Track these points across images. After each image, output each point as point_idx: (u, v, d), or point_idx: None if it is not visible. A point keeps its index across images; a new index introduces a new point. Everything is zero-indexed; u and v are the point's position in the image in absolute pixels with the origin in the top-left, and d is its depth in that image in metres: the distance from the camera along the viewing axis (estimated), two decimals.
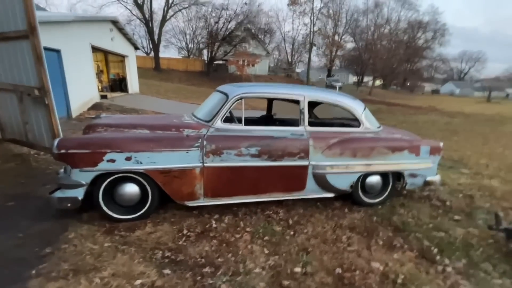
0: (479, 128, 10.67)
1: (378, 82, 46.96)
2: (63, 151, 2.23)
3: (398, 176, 3.13)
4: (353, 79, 51.70)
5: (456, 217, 2.94)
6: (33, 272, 1.80)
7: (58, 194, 2.33)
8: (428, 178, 3.18)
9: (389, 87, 50.30)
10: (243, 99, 2.67)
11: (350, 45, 44.24)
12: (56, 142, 2.27)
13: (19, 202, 2.79)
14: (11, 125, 4.14)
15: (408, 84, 55.88)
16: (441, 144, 3.21)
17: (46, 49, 6.79)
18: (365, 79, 44.99)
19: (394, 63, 41.04)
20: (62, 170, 2.52)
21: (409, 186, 3.15)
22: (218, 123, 2.60)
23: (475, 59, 71.32)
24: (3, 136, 4.35)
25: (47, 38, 6.41)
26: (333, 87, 33.03)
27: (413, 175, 3.10)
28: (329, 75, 42.10)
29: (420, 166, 3.10)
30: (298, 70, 46.47)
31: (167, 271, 1.87)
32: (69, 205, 2.32)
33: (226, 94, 2.74)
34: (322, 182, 2.83)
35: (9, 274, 1.78)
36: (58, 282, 1.71)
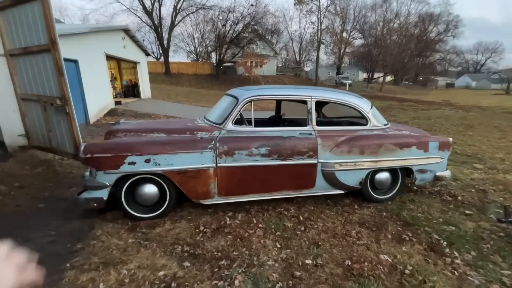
0: (496, 121, 10.33)
1: (389, 78, 46.04)
2: (88, 155, 2.44)
3: (408, 172, 3.18)
4: (363, 76, 50.93)
5: (467, 212, 2.95)
6: (68, 265, 1.99)
7: (85, 195, 2.53)
8: (438, 174, 3.20)
9: (401, 83, 49.23)
10: (252, 102, 2.80)
11: (359, 42, 43.72)
12: (82, 147, 2.48)
13: (49, 204, 3.03)
14: (36, 133, 4.45)
15: (421, 78, 54.51)
16: (450, 139, 3.22)
17: (64, 60, 7.19)
18: (376, 75, 44.21)
19: (405, 58, 40.16)
20: (87, 173, 2.73)
21: (418, 181, 3.18)
22: (229, 125, 2.74)
23: (492, 50, 68.73)
24: (30, 143, 4.67)
25: (65, 50, 6.77)
26: (343, 85, 32.71)
27: (422, 171, 3.13)
28: (338, 73, 41.69)
29: (429, 162, 3.13)
30: (306, 69, 46.29)
31: (186, 263, 2.02)
32: (95, 205, 2.52)
33: (236, 98, 2.88)
34: (331, 179, 2.91)
35: (46, 267, 1.98)
36: (90, 273, 1.89)
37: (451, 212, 2.95)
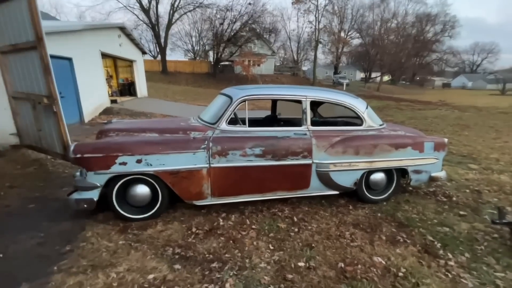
0: (491, 121, 10.39)
1: (386, 78, 46.23)
2: (78, 155, 2.38)
3: (403, 172, 3.16)
4: (360, 75, 51.08)
5: (462, 213, 2.94)
6: (55, 268, 1.95)
7: (75, 196, 2.48)
8: (433, 174, 3.19)
9: (398, 83, 49.46)
10: (246, 101, 2.76)
11: (356, 41, 43.81)
12: (72, 147, 2.42)
13: (39, 204, 2.97)
14: (27, 131, 4.36)
15: (418, 78, 54.84)
16: (446, 140, 3.21)
17: (58, 57, 7.10)
18: (373, 75, 44.39)
19: (402, 58, 40.31)
20: (78, 173, 2.68)
21: (414, 182, 3.17)
22: (223, 125, 2.70)
23: (488, 51, 69.27)
24: (21, 142, 4.59)
25: (59, 47, 6.70)
26: (340, 84, 32.77)
27: (417, 172, 3.12)
28: (336, 73, 41.78)
29: (425, 162, 3.11)
30: (304, 68, 46.26)
31: (177, 266, 1.98)
32: (85, 206, 2.46)
33: (230, 97, 2.84)
34: (326, 180, 2.89)
35: (33, 270, 1.94)
36: (78, 276, 1.85)
37: (446, 213, 2.94)
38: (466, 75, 64.99)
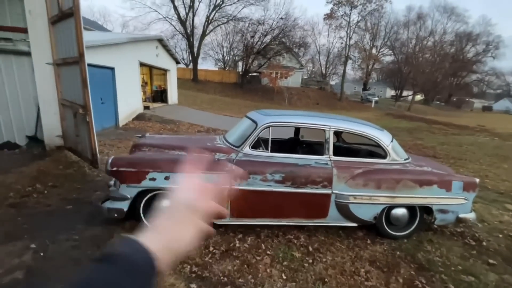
0: None
1: (418, 97, 44.21)
2: (115, 168, 2.63)
3: (427, 210, 3.04)
4: (391, 93, 49.36)
5: (491, 261, 2.75)
6: None
7: (108, 204, 2.72)
8: (461, 215, 3.04)
9: (432, 103, 46.93)
10: (270, 128, 2.87)
11: (388, 58, 42.62)
12: (110, 160, 2.67)
13: (76, 206, 3.27)
14: (69, 135, 4.85)
15: (454, 99, 51.71)
16: (477, 180, 3.06)
17: (103, 67, 7.77)
18: (404, 93, 42.65)
19: (437, 77, 38.36)
20: (112, 182, 2.93)
21: (438, 222, 3.04)
22: (247, 149, 2.83)
23: None
24: (64, 144, 5.09)
25: (105, 58, 7.38)
26: (369, 102, 31.93)
27: (443, 211, 2.99)
28: (365, 89, 40.83)
29: (452, 202, 2.98)
30: (332, 82, 45.77)
31: (193, 285, 2.09)
32: (116, 215, 2.69)
33: (255, 122, 2.97)
34: (344, 211, 2.87)
35: (66, 272, 2.15)
36: None
37: (473, 259, 2.77)
38: (511, 99, 60.07)
